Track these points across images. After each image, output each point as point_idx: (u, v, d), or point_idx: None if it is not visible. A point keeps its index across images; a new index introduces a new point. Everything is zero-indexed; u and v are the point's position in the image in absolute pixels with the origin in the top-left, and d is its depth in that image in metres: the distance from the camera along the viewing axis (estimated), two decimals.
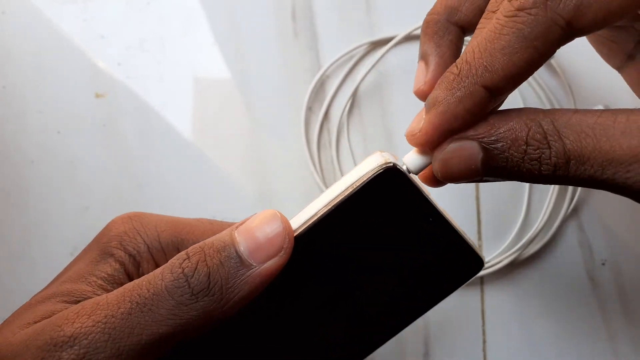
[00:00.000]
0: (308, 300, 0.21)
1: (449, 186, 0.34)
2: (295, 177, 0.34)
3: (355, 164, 0.34)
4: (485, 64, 0.18)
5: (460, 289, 0.34)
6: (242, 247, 0.18)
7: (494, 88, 0.18)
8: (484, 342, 0.34)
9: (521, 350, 0.34)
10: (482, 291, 0.34)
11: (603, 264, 0.35)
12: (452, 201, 0.34)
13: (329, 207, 0.20)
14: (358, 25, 0.34)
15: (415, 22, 0.34)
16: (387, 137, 0.34)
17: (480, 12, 0.21)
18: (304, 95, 0.33)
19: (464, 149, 0.19)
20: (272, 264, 0.18)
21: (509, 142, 0.18)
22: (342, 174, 0.34)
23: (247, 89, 0.34)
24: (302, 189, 0.34)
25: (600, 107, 0.33)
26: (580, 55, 0.35)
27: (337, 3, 0.34)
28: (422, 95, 0.21)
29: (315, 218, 0.20)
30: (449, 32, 0.22)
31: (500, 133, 0.18)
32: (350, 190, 0.20)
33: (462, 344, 0.34)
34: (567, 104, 0.34)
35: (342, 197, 0.20)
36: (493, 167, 0.19)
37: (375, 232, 0.21)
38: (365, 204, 0.20)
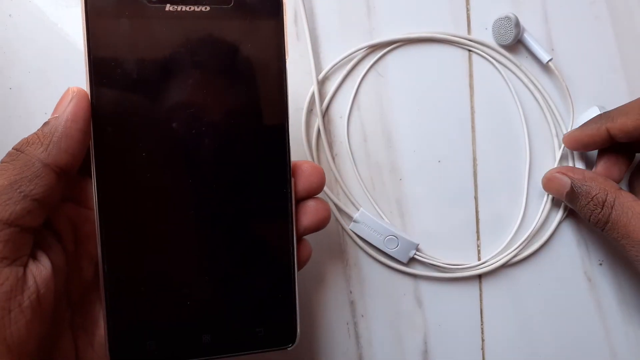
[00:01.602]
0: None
1: (449, 185, 0.34)
2: None
3: (355, 165, 0.34)
4: (616, 112, 0.31)
5: (458, 288, 0.35)
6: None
7: (613, 133, 0.30)
8: (483, 340, 0.34)
9: (519, 349, 0.35)
10: (480, 290, 0.34)
11: (600, 264, 0.35)
12: (451, 201, 0.34)
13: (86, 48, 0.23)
14: (358, 29, 0.35)
15: (413, 26, 0.35)
16: (387, 138, 0.34)
17: None
18: (304, 97, 0.34)
19: (562, 180, 0.32)
20: (71, 107, 0.22)
21: (584, 192, 0.31)
22: (341, 176, 0.34)
23: None
24: None
25: (596, 108, 0.34)
26: (577, 58, 0.35)
27: (338, 7, 0.35)
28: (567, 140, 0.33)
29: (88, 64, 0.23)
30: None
31: (585, 184, 0.31)
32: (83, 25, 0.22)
33: (461, 342, 0.34)
34: (564, 105, 0.35)
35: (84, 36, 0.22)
36: (569, 199, 0.32)
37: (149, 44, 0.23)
38: (106, 29, 0.22)
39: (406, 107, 0.35)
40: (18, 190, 0.20)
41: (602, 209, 0.30)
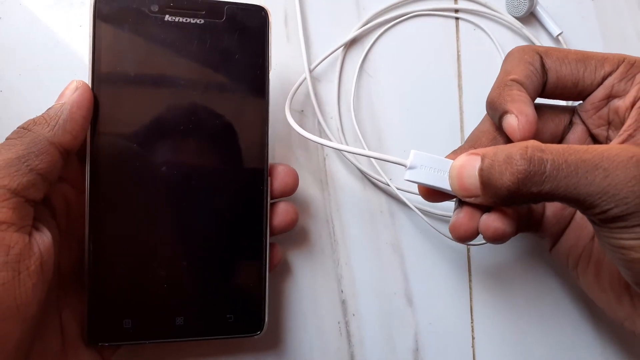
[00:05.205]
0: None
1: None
2: None
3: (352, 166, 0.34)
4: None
5: (450, 288, 0.35)
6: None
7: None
8: (473, 338, 0.35)
9: (509, 346, 0.35)
10: (470, 288, 0.35)
11: None
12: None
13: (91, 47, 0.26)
14: (349, 30, 0.35)
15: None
16: (378, 138, 0.35)
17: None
18: (297, 99, 0.34)
19: (468, 164, 0.24)
20: (77, 95, 0.25)
21: (504, 158, 0.22)
22: (332, 176, 0.34)
23: None
24: None
25: None
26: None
27: (328, 8, 0.35)
28: None
29: (92, 59, 0.26)
30: None
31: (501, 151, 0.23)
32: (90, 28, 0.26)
33: (452, 340, 0.34)
34: None
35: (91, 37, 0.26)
36: (484, 181, 0.23)
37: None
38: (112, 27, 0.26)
39: (395, 107, 0.35)
40: (25, 163, 0.22)
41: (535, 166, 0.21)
